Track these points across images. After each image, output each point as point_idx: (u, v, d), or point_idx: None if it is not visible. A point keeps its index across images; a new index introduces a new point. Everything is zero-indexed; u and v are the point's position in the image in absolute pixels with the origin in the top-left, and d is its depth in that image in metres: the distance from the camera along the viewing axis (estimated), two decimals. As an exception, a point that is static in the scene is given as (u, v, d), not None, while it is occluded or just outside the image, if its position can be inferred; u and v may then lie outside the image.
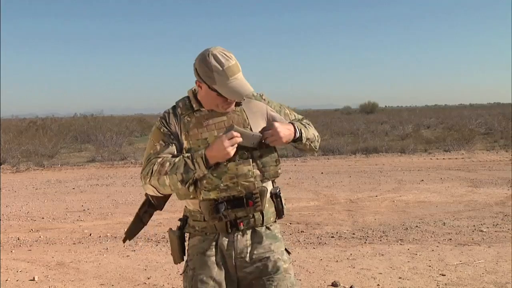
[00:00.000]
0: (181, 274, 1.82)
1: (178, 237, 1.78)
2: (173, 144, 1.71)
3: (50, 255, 4.67)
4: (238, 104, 1.74)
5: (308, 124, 1.86)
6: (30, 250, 4.88)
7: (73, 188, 8.88)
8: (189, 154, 1.66)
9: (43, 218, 6.37)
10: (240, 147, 1.65)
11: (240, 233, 1.72)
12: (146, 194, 1.84)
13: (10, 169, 12.05)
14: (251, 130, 1.70)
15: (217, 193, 1.65)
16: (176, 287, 3.73)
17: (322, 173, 10.16)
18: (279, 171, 1.75)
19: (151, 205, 1.86)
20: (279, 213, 1.80)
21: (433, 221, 5.67)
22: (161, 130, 1.73)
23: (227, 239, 1.72)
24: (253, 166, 1.68)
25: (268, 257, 1.74)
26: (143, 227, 1.90)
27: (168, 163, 1.65)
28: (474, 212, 6.10)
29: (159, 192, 1.71)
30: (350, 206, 6.69)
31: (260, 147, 1.70)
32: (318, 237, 5.09)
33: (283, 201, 1.81)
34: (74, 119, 30.55)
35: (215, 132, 1.69)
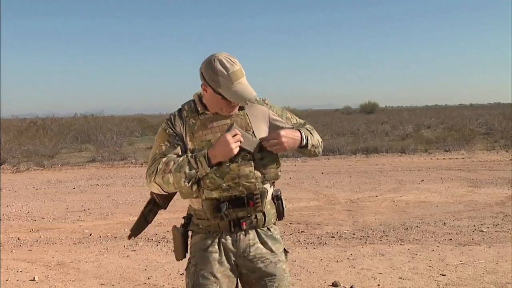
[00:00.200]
0: (184, 270, 1.87)
1: (182, 234, 1.84)
2: (178, 145, 1.77)
3: (51, 255, 4.67)
4: (241, 108, 1.80)
5: (312, 129, 1.91)
6: (31, 250, 4.88)
7: (74, 188, 8.88)
8: (192, 154, 1.72)
9: (43, 218, 6.38)
10: (242, 150, 1.72)
11: (243, 232, 1.78)
12: (151, 193, 1.89)
13: (10, 169, 12.06)
14: (254, 134, 1.77)
15: (219, 193, 1.71)
16: (176, 287, 3.73)
17: (322, 173, 10.17)
18: (279, 173, 1.82)
19: (156, 204, 1.92)
20: (280, 215, 1.87)
21: (434, 221, 5.67)
22: (167, 131, 1.79)
23: (230, 238, 1.77)
24: (254, 167, 1.74)
25: (269, 258, 1.80)
26: (148, 225, 1.96)
27: (172, 162, 1.71)
28: (474, 212, 6.11)
29: (163, 190, 1.76)
30: (350, 206, 6.69)
31: (261, 150, 1.76)
32: (318, 237, 5.10)
33: (284, 204, 1.87)
34: (74, 119, 30.52)
35: (218, 134, 1.75)
